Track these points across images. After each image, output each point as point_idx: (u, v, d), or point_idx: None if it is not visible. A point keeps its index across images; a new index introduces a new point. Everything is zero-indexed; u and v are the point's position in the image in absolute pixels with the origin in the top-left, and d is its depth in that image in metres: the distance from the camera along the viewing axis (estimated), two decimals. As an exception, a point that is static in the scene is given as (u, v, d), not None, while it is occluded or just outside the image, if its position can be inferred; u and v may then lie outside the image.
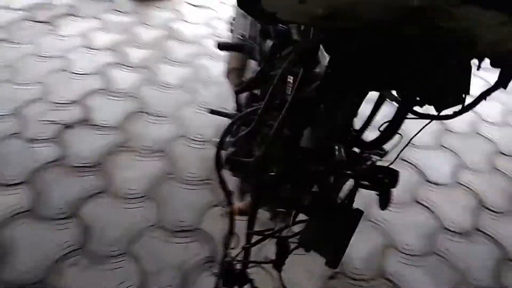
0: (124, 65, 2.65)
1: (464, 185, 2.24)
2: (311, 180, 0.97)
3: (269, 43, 0.98)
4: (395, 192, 0.92)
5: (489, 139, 2.57)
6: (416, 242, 1.92)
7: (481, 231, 2.02)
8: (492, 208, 2.14)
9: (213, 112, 1.50)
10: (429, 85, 0.67)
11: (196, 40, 3.00)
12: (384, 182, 0.88)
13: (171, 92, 2.53)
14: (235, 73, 1.69)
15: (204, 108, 2.37)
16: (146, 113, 2.35)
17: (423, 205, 2.10)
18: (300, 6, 0.55)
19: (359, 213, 0.92)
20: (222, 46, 1.25)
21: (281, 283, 1.22)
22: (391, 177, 0.88)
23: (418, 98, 0.73)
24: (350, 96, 0.80)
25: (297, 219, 1.09)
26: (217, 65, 2.66)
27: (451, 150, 2.44)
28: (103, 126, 2.21)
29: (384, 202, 0.91)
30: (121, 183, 1.95)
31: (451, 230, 2.00)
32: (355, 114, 0.87)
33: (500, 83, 0.77)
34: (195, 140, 2.23)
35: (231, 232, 1.23)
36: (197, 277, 1.66)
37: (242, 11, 0.62)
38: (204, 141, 2.23)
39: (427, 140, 2.47)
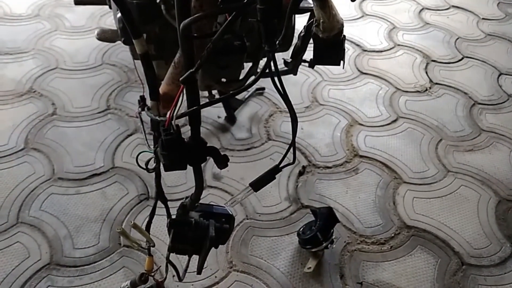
0: None
1: (404, 45, 1.98)
2: None
3: None
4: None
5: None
6: (377, 112, 1.61)
7: (439, 83, 1.78)
8: (440, 60, 1.91)
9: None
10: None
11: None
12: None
13: (26, 24, 1.87)
14: None
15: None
16: (-4, 53, 1.70)
17: (372, 74, 1.79)
18: None
19: None
20: None
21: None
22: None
23: None
24: None
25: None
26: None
27: (379, 17, 2.16)
28: None
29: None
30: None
31: (409, 91, 1.73)
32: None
33: None
34: (75, 70, 1.66)
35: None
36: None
37: None
38: (87, 68, 1.66)
39: (354, 14, 2.16)
